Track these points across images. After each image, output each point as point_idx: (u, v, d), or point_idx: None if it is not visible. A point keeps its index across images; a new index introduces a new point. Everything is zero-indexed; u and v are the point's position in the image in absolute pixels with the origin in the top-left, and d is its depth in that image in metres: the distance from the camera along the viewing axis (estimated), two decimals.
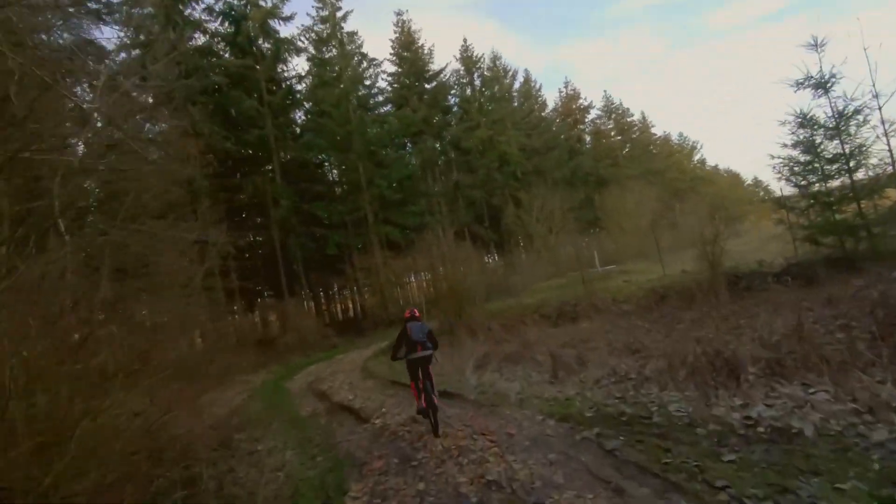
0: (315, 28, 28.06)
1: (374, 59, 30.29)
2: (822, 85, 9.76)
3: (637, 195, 30.33)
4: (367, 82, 30.49)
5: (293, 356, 18.88)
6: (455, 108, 36.34)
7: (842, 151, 9.79)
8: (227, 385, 13.58)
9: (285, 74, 27.28)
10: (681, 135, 64.94)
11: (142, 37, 20.47)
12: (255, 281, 24.88)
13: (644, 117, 58.53)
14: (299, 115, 28.64)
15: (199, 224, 18.34)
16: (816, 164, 10.20)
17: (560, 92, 52.74)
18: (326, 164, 29.64)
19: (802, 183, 10.66)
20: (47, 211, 6.74)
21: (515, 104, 41.48)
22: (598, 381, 6.25)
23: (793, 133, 10.30)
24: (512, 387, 7.02)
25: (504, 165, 34.82)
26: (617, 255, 25.98)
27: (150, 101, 20.03)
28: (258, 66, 24.90)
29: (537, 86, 47.45)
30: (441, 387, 7.13)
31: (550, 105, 50.11)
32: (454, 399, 7.00)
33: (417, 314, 5.96)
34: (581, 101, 52.69)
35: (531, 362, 8.38)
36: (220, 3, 23.92)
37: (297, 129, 28.00)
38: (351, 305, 29.86)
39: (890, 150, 9.48)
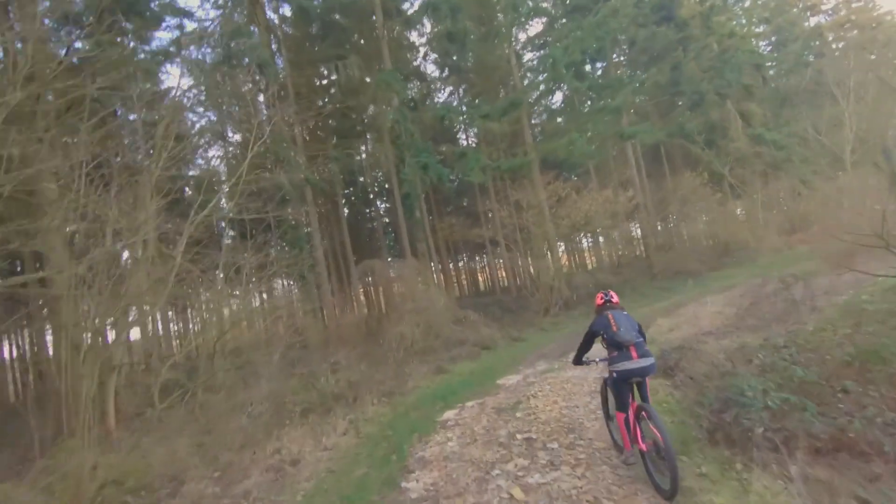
0: None
1: None
2: None
3: None
4: None
5: (410, 370, 9.52)
6: None
7: None
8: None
9: None
10: None
11: None
12: (350, 230, 16.15)
13: None
14: None
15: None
16: None
17: None
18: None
19: None
20: None
21: None
22: None
23: None
24: None
25: (734, 53, 21.47)
26: None
27: None
28: None
29: None
30: None
31: None
32: None
33: (616, 299, 3.67)
34: None
35: None
36: None
37: None
38: (504, 273, 19.55)
39: None
